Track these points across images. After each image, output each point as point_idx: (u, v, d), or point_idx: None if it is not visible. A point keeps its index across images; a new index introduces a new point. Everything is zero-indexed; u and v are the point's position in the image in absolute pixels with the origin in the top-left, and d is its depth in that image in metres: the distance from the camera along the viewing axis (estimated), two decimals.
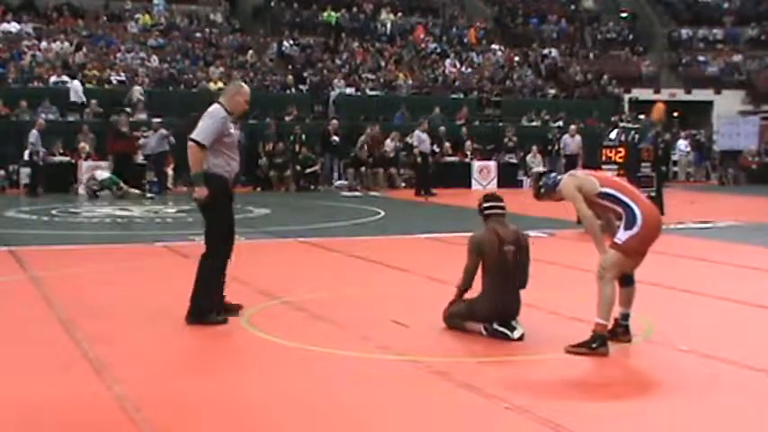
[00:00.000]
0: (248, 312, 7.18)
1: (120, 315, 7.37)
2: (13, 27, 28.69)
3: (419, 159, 22.59)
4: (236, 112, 7.03)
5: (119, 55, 28.28)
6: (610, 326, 6.14)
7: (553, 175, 6.46)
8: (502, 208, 6.70)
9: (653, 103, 33.63)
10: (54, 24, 29.72)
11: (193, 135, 6.81)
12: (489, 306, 6.48)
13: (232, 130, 6.99)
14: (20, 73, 26.04)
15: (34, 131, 20.61)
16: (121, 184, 20.61)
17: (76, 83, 25.41)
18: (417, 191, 22.25)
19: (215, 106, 7.00)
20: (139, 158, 22.53)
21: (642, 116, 28.96)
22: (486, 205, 6.71)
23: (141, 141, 22.40)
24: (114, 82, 26.55)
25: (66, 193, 20.89)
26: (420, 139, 22.61)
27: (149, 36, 30.06)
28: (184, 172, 23.51)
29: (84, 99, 24.97)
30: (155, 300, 8.09)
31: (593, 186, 6.18)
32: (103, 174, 20.97)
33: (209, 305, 6.92)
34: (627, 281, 6.28)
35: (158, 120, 23.84)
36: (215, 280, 6.94)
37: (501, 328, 6.42)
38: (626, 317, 6.35)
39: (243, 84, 7.14)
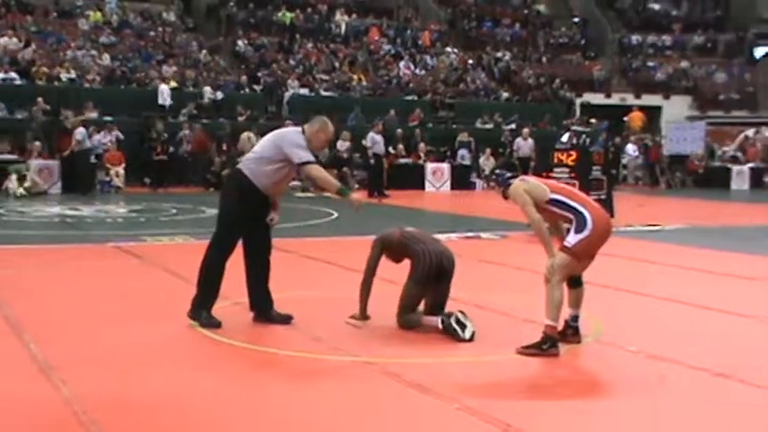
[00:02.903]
0: None
1: (68, 316, 7.29)
2: None
3: (372, 161, 22.68)
4: (314, 148, 6.92)
5: (69, 52, 27.90)
6: (560, 327, 6.22)
7: (509, 174, 6.50)
8: None
9: (605, 107, 34.21)
10: (2, 20, 29.20)
11: (300, 161, 6.78)
12: (422, 269, 6.69)
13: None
14: None
15: None
16: (27, 183, 20.30)
17: (164, 86, 25.64)
18: (371, 192, 22.28)
19: (298, 131, 6.98)
20: (91, 158, 22.28)
21: (594, 121, 29.29)
22: None
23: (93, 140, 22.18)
24: (64, 79, 26.21)
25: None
26: (374, 140, 22.69)
27: (101, 33, 29.69)
28: (135, 171, 23.34)
29: (170, 102, 25.33)
30: (104, 301, 8.01)
31: (543, 193, 6.24)
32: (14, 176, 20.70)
33: (202, 302, 6.84)
34: (576, 283, 6.36)
35: (109, 118, 23.66)
36: (212, 275, 6.85)
37: (455, 325, 6.48)
38: (575, 318, 6.43)
39: (329, 122, 7.09)
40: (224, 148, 23.52)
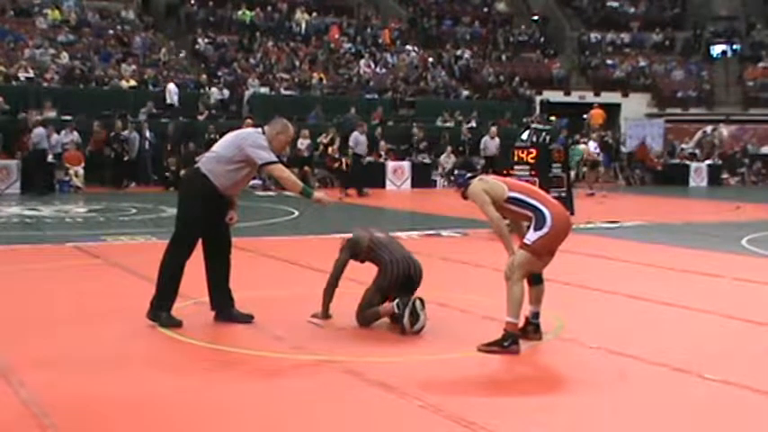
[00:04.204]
0: None
1: (27, 317, 7.20)
2: None
3: (350, 160, 22.85)
4: (274, 149, 6.88)
5: (27, 51, 27.55)
6: (521, 324, 6.26)
7: (468, 174, 6.52)
8: None
9: (564, 105, 34.49)
10: None
11: (263, 161, 6.75)
12: (388, 279, 6.74)
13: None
14: None
15: None
16: None
17: (172, 86, 25.78)
18: (359, 191, 22.20)
19: (259, 132, 6.93)
20: (49, 157, 22.00)
21: (553, 118, 29.53)
22: None
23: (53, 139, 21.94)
24: (23, 79, 25.86)
25: None
26: (357, 140, 22.76)
27: (59, 32, 29.33)
28: (92, 172, 23.07)
29: (177, 102, 25.50)
30: (64, 301, 7.94)
31: (501, 192, 6.27)
32: None
33: (161, 302, 6.78)
34: (536, 280, 6.41)
35: (68, 118, 23.38)
36: (171, 275, 6.80)
37: (407, 315, 6.53)
38: (536, 315, 6.48)
39: (289, 124, 7.10)
40: (168, 148, 23.34)
